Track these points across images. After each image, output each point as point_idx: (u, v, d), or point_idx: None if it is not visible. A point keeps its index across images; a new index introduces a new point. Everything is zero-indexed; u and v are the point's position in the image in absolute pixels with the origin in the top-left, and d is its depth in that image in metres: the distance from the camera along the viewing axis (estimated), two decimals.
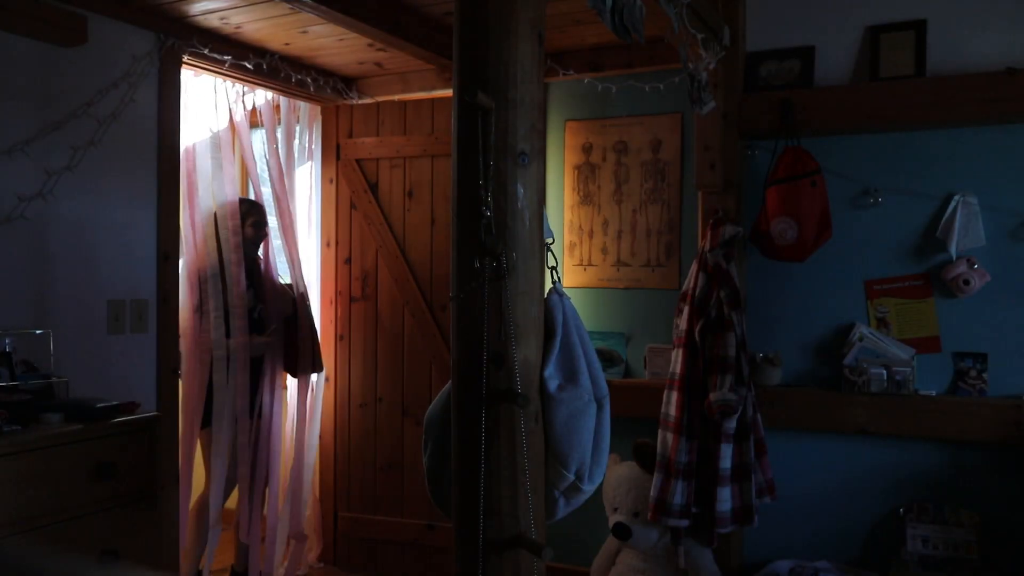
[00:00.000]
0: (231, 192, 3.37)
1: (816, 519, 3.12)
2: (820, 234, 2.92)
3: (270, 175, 3.63)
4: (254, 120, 3.67)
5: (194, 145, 3.31)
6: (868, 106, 2.93)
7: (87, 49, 2.73)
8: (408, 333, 3.75)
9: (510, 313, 1.64)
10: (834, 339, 3.11)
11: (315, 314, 3.99)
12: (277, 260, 3.71)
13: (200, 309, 3.30)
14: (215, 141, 3.36)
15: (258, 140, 3.84)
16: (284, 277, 3.74)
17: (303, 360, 3.61)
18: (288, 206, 3.65)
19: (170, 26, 3.00)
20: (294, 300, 3.61)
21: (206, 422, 3.30)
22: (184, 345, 3.25)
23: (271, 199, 3.66)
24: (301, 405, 3.70)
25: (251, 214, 3.45)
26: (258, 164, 3.63)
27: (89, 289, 2.81)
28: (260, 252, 3.59)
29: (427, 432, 2.00)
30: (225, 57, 3.16)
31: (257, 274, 3.50)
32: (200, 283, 3.29)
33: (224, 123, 3.43)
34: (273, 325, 3.51)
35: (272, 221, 3.65)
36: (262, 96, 3.62)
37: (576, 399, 1.77)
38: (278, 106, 3.78)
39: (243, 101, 3.53)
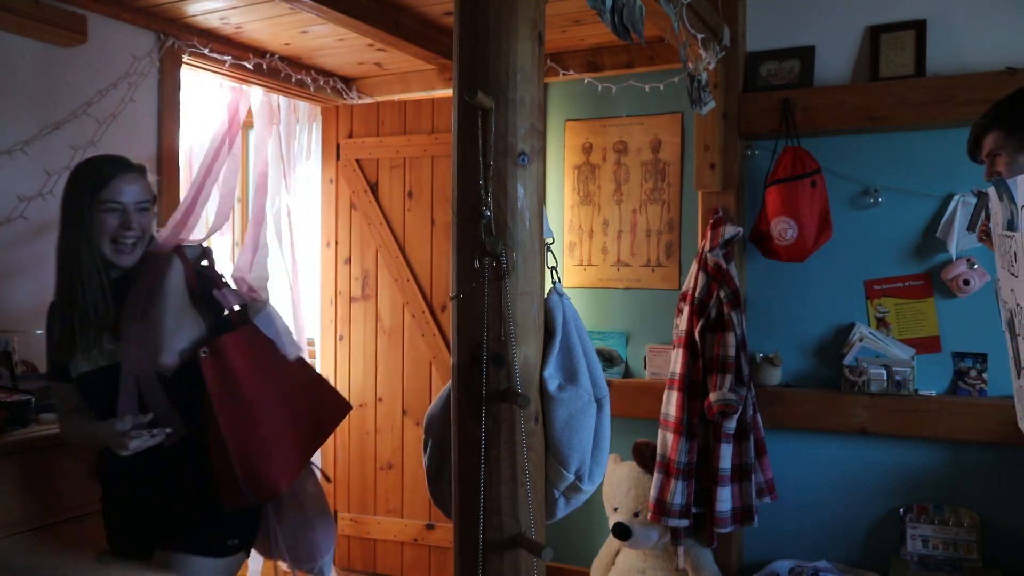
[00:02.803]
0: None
1: (816, 519, 3.12)
2: (820, 234, 2.92)
3: (284, 174, 3.55)
4: (248, 121, 3.65)
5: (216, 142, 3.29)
6: (868, 106, 2.93)
7: (87, 49, 2.73)
8: (408, 333, 3.74)
9: (510, 313, 1.64)
10: (834, 339, 3.11)
11: (315, 315, 3.96)
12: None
13: None
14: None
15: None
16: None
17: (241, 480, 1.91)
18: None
19: (170, 26, 3.00)
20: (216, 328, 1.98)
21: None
22: None
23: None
24: None
25: (99, 184, 1.87)
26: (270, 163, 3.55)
27: None
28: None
29: (427, 432, 2.00)
30: (225, 57, 3.16)
31: (120, 298, 1.94)
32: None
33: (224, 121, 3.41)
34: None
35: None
36: (261, 93, 3.61)
37: (576, 399, 1.77)
38: (278, 105, 3.77)
39: (286, 100, 3.47)
